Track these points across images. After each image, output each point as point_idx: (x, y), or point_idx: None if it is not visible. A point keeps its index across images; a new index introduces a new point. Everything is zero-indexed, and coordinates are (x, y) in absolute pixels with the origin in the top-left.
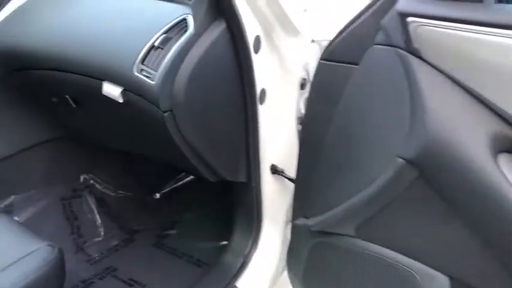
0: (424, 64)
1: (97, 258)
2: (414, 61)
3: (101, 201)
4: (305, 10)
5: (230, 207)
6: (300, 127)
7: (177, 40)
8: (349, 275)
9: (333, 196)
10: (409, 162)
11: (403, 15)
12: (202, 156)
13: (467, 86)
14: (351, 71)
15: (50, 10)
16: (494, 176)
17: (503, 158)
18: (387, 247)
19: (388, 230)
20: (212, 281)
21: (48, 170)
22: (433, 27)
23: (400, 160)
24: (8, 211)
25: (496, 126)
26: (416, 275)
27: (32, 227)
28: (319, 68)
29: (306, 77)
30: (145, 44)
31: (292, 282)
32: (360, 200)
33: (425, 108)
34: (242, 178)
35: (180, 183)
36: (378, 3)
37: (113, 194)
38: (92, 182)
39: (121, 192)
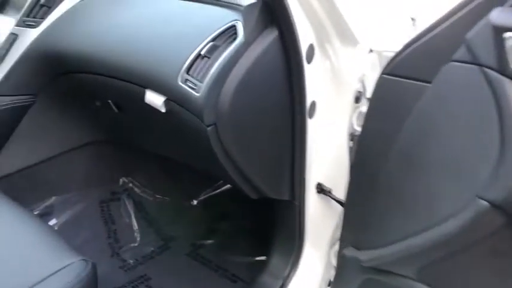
0: None
1: (132, 264)
2: (510, 86)
3: (139, 206)
4: (413, 19)
5: (270, 222)
6: (351, 144)
7: (225, 49)
8: None
9: (392, 230)
10: (495, 206)
11: (499, 30)
12: (244, 173)
13: None
14: (421, 89)
15: (97, 14)
16: None
17: None
18: None
19: (459, 278)
20: None
21: (89, 172)
22: None
23: (483, 202)
24: (48, 212)
25: None
26: None
27: (69, 229)
28: (381, 83)
29: (361, 90)
30: (192, 52)
31: None
32: (427, 240)
33: None
34: (285, 196)
35: (219, 190)
36: (459, 14)
37: (150, 199)
38: (130, 185)
39: (159, 196)
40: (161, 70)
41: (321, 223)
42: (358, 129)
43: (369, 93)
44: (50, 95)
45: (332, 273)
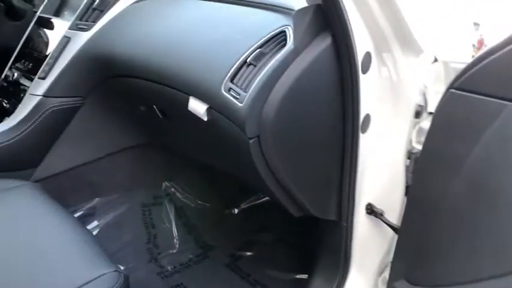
0: None
1: (169, 271)
2: None
3: (180, 211)
4: (477, 24)
5: (314, 238)
6: (408, 162)
7: (272, 56)
8: None
9: (455, 269)
10: None
11: None
12: (287, 189)
13: None
14: (499, 108)
15: (146, 19)
16: None
17: None
18: None
19: None
20: None
21: (132, 175)
22: None
23: None
24: (91, 213)
25: None
26: None
27: (110, 231)
28: (448, 98)
29: (422, 104)
30: (237, 60)
31: None
32: (506, 285)
33: None
34: (332, 216)
35: (261, 200)
36: None
37: (192, 205)
38: (173, 190)
39: (200, 203)
40: (205, 77)
41: (369, 247)
42: (418, 147)
43: (431, 108)
44: (97, 98)
45: None
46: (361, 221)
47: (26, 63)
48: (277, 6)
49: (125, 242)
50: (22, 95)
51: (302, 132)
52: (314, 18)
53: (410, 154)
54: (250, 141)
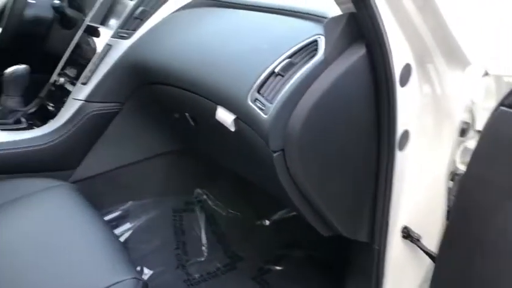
0: None
1: (196, 280)
2: None
3: (211, 219)
4: None
5: (344, 259)
6: (451, 184)
7: (301, 67)
8: None
9: None
10: None
11: None
12: (314, 207)
13: None
14: None
15: (183, 28)
16: None
17: None
18: None
19: None
20: None
21: (165, 180)
22: None
23: None
24: (123, 216)
25: None
26: None
27: (141, 235)
28: (499, 116)
29: (469, 121)
30: (265, 69)
31: None
32: None
33: None
34: (363, 238)
35: (293, 213)
36: None
37: (223, 213)
38: (204, 197)
39: (231, 212)
40: (233, 87)
41: (404, 274)
42: (462, 167)
43: (478, 126)
44: (135, 104)
45: None
46: (395, 245)
47: (72, 69)
48: (310, 14)
49: (155, 246)
50: (65, 99)
51: (331, 147)
52: (347, 27)
53: (453, 175)
54: (274, 154)
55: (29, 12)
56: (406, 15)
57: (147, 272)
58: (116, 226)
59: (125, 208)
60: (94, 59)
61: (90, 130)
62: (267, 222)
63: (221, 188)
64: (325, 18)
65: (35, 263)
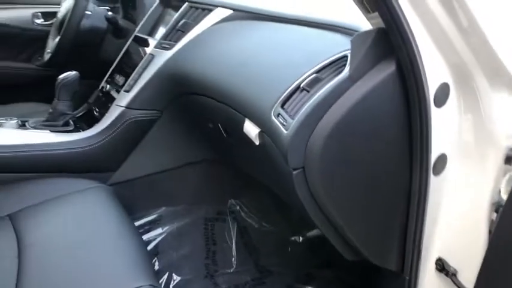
0: None
1: None
2: None
3: (243, 230)
4: None
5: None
6: (495, 216)
7: (326, 83)
8: None
9: None
10: None
11: None
12: (338, 230)
13: None
14: None
15: (220, 40)
16: None
17: None
18: None
19: None
20: None
21: (199, 188)
22: None
23: None
24: (156, 221)
25: None
26: None
27: (172, 241)
28: None
29: None
30: (290, 85)
31: None
32: None
33: None
34: (392, 266)
35: None
36: None
37: (256, 226)
38: (237, 208)
39: (265, 225)
40: (259, 100)
41: None
42: None
43: None
44: (173, 113)
45: None
46: (428, 278)
47: (121, 77)
48: (346, 28)
49: (185, 253)
50: (110, 105)
51: (355, 167)
52: (375, 43)
53: (498, 207)
54: (294, 172)
55: (85, 23)
56: (440, 31)
57: (175, 278)
58: (148, 230)
59: (158, 213)
60: (137, 68)
61: (130, 136)
62: (301, 239)
63: (255, 200)
64: (358, 31)
65: (59, 260)
